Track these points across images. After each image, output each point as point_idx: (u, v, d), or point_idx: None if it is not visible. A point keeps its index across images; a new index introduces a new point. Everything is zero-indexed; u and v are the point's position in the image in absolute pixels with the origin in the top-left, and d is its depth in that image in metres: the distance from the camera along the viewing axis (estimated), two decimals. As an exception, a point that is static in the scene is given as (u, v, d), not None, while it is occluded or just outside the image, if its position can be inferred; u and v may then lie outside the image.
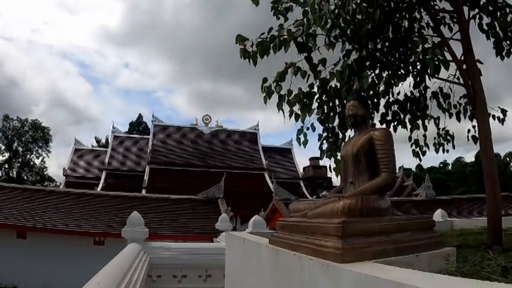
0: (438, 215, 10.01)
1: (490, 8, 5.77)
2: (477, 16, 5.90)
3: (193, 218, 21.74)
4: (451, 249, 3.13)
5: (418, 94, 6.04)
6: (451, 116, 6.27)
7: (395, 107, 5.97)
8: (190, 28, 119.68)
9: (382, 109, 5.93)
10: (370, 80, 5.50)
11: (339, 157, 5.22)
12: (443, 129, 6.40)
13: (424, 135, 6.20)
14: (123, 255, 6.03)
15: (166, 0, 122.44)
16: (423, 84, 5.99)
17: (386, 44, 5.68)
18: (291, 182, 43.08)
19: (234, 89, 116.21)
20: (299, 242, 3.01)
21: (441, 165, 71.09)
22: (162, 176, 38.56)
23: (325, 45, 5.35)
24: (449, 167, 70.78)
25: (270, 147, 48.80)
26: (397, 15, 5.69)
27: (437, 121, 6.30)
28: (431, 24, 5.78)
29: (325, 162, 5.79)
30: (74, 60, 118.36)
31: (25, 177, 56.48)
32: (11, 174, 55.63)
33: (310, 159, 51.05)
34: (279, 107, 5.28)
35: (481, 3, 5.76)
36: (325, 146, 5.70)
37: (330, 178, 44.56)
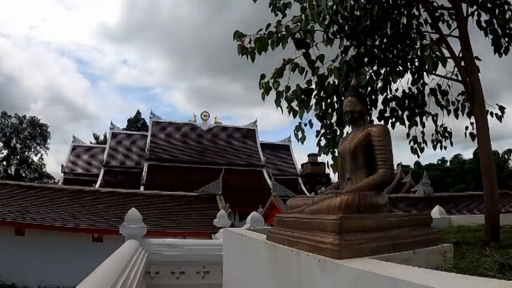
0: (436, 211, 10.01)
1: (489, 5, 5.76)
2: (475, 13, 5.88)
3: (191, 214, 21.77)
4: (448, 246, 3.13)
5: (416, 91, 6.03)
6: (449, 113, 6.27)
7: (393, 104, 5.96)
8: (188, 25, 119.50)
9: (380, 105, 5.92)
10: (368, 76, 5.49)
11: (336, 153, 5.22)
12: (441, 126, 6.40)
13: (422, 132, 6.20)
14: (120, 251, 6.02)
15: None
16: (421, 81, 5.98)
17: (385, 40, 5.67)
18: (290, 178, 43.10)
19: (233, 85, 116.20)
20: (296, 238, 3.01)
21: (439, 162, 71.22)
22: (160, 172, 38.53)
23: (323, 41, 5.34)
24: (448, 164, 70.88)
25: (268, 143, 48.83)
26: (396, 11, 5.67)
27: (435, 118, 6.29)
28: (430, 21, 5.77)
29: (324, 158, 5.75)
30: (72, 57, 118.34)
31: (23, 175, 56.46)
32: (9, 171, 55.59)
33: (309, 155, 51.11)
34: (277, 103, 5.27)
35: (480, 0, 5.75)
36: (323, 143, 5.70)
37: (328, 174, 44.68)
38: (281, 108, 5.33)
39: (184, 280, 8.04)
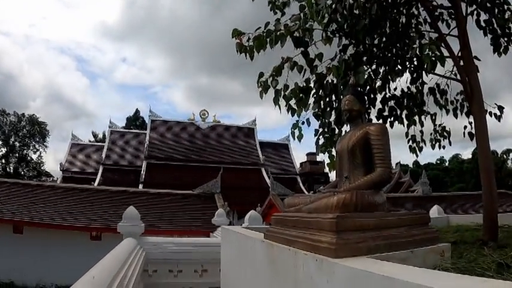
0: (434, 211, 10.01)
1: (488, 5, 5.74)
2: (475, 12, 5.87)
3: (190, 212, 21.77)
4: (446, 245, 3.12)
5: (415, 90, 6.03)
6: (447, 112, 6.26)
7: (392, 103, 5.96)
8: (188, 23, 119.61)
9: (378, 104, 5.92)
10: (366, 75, 5.48)
11: (333, 152, 5.21)
12: (440, 125, 6.40)
13: (421, 131, 6.20)
14: (118, 250, 6.02)
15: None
16: (420, 80, 5.98)
17: (384, 39, 5.66)
18: (288, 177, 43.16)
19: (232, 84, 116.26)
20: (294, 237, 3.00)
21: (438, 162, 71.31)
22: (159, 170, 38.57)
23: (322, 40, 5.33)
24: (447, 164, 70.95)
25: (267, 142, 48.87)
26: (395, 10, 5.66)
27: (434, 117, 6.29)
28: (429, 20, 5.76)
29: (322, 157, 5.77)
30: (71, 54, 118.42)
31: (22, 172, 56.42)
32: (8, 169, 55.56)
33: (307, 154, 51.22)
34: (275, 101, 5.26)
35: (479, -1, 5.74)
36: (321, 141, 5.69)
37: (327, 173, 44.73)
38: (279, 107, 5.32)
39: (182, 279, 8.05)
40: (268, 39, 4.98)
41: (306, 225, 2.93)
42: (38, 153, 58.02)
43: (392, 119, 5.93)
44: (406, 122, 6.01)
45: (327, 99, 5.52)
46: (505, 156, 60.87)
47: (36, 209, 19.68)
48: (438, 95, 6.20)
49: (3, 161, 55.86)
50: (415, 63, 5.74)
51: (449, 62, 5.27)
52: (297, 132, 5.46)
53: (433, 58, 4.73)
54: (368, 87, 5.76)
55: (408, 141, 6.29)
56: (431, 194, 26.80)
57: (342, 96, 4.22)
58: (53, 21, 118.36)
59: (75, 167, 45.26)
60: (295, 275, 2.80)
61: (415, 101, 5.99)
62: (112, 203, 21.23)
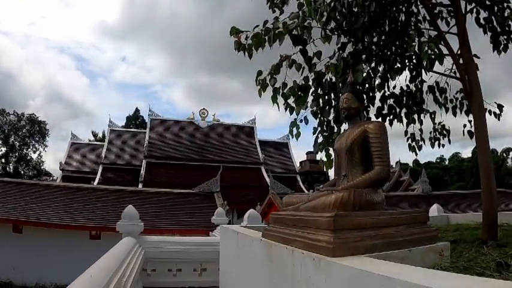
0: (434, 210, 10.00)
1: (488, 3, 5.73)
2: (474, 10, 5.85)
3: (189, 211, 21.76)
4: (445, 244, 3.10)
5: (414, 88, 6.01)
6: (447, 110, 6.25)
7: (391, 101, 5.94)
8: (187, 22, 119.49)
9: (377, 103, 5.90)
10: (365, 73, 5.46)
11: (331, 151, 5.20)
12: (440, 123, 6.38)
13: (420, 130, 6.18)
14: (117, 249, 5.99)
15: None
16: (419, 78, 5.96)
17: (383, 37, 5.64)
18: (288, 176, 43.14)
19: (232, 83, 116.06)
20: (292, 236, 2.99)
21: (438, 161, 71.28)
22: (158, 170, 38.55)
23: (321, 38, 5.31)
24: (446, 163, 70.93)
25: (266, 141, 48.82)
26: (394, 8, 5.64)
27: (433, 116, 6.27)
28: (428, 18, 5.74)
29: (321, 156, 5.72)
30: (70, 54, 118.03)
31: (22, 172, 56.37)
32: (7, 168, 55.51)
33: (307, 153, 51.15)
34: (274, 99, 5.24)
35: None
36: (320, 140, 5.67)
37: (327, 172, 44.59)
38: (277, 105, 5.30)
39: (181, 278, 8.03)
40: (266, 37, 4.97)
41: (304, 224, 2.91)
42: (37, 152, 58.00)
43: (391, 117, 5.92)
44: (405, 121, 5.99)
45: (326, 97, 5.50)
46: (504, 155, 60.85)
47: (36, 209, 19.65)
48: (437, 93, 6.19)
49: (3, 160, 55.84)
50: (414, 61, 5.72)
51: (448, 60, 5.25)
52: (295, 130, 5.44)
53: (432, 56, 4.71)
54: (367, 85, 5.75)
55: (407, 140, 6.27)
56: (431, 193, 26.78)
57: (340, 94, 4.19)
58: (53, 20, 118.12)
59: (75, 166, 45.22)
60: (293, 274, 2.78)
61: (415, 99, 5.97)
62: (111, 202, 21.21)
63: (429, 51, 4.66)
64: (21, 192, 21.20)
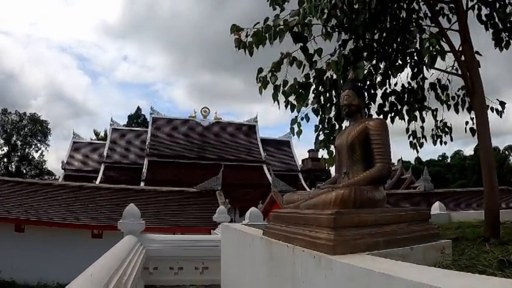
0: (436, 207, 9.98)
1: (489, -1, 5.70)
2: (476, 7, 5.82)
3: (191, 210, 21.74)
4: (446, 242, 3.08)
5: (415, 85, 5.98)
6: (449, 107, 6.22)
7: (392, 98, 5.91)
8: (188, 20, 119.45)
9: (379, 100, 5.87)
10: (366, 70, 5.43)
11: (332, 148, 5.18)
12: (441, 121, 6.35)
13: (422, 127, 6.15)
14: (118, 247, 5.98)
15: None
16: (421, 75, 5.93)
17: (384, 34, 5.61)
18: (290, 174, 43.12)
19: (233, 81, 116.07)
20: (292, 234, 2.97)
21: (440, 158, 71.15)
22: (160, 168, 38.56)
23: (322, 35, 5.28)
24: (448, 160, 70.83)
25: (268, 139, 48.77)
26: (395, 5, 5.61)
27: (435, 113, 6.24)
28: (429, 14, 5.71)
29: (323, 153, 5.71)
30: (72, 53, 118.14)
31: (24, 171, 56.41)
32: (10, 168, 55.57)
33: (309, 151, 51.10)
34: (274, 97, 5.22)
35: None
36: (321, 137, 5.65)
37: (329, 170, 44.59)
38: (278, 103, 5.28)
39: (182, 276, 8.02)
40: (267, 35, 4.94)
41: (304, 221, 2.90)
42: (39, 152, 58.02)
43: (393, 114, 5.89)
44: (406, 118, 5.96)
45: (327, 94, 5.48)
46: (507, 153, 60.72)
47: (38, 208, 19.67)
48: (439, 90, 6.16)
49: (5, 160, 55.88)
50: (416, 58, 5.69)
51: (450, 57, 5.23)
52: (296, 128, 5.42)
53: (434, 52, 4.68)
54: (368, 82, 5.72)
55: (409, 137, 6.24)
56: (433, 191, 26.74)
57: (341, 92, 4.17)
58: (54, 20, 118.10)
59: (77, 165, 45.26)
60: (294, 272, 2.77)
61: (416, 97, 5.94)
62: (113, 200, 21.21)
63: (431, 48, 4.64)
64: (23, 191, 21.22)
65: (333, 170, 4.39)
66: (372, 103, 5.76)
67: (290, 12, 5.17)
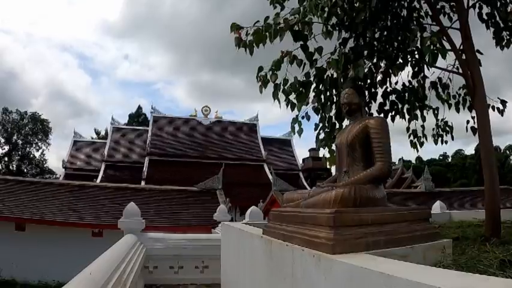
0: (437, 207, 9.96)
1: (490, -3, 5.67)
2: (477, 5, 5.80)
3: (191, 209, 21.73)
4: (447, 241, 3.06)
5: (416, 84, 5.95)
6: (450, 106, 6.19)
7: (393, 97, 5.88)
8: (189, 19, 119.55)
9: (379, 99, 5.84)
10: (367, 69, 5.41)
11: (333, 147, 5.15)
12: (442, 120, 6.33)
13: (423, 126, 6.12)
14: (117, 246, 5.98)
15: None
16: (422, 74, 5.90)
17: (385, 33, 5.58)
18: (291, 173, 43.12)
19: (234, 80, 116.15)
20: (292, 233, 2.96)
21: (441, 158, 71.11)
22: (161, 167, 38.55)
23: (322, 33, 5.26)
24: (449, 160, 70.79)
25: (269, 138, 48.76)
26: (396, 4, 5.58)
27: (436, 112, 6.21)
28: (430, 13, 5.68)
29: (323, 152, 5.70)
30: (73, 52, 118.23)
31: (25, 170, 56.37)
32: (10, 167, 55.52)
33: (310, 150, 51.04)
34: (275, 96, 5.20)
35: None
36: (322, 136, 5.63)
37: (330, 169, 44.57)
38: (279, 101, 5.26)
39: (183, 275, 8.02)
40: (267, 33, 4.92)
41: (304, 220, 2.88)
42: (40, 150, 57.92)
43: (393, 113, 5.87)
44: (407, 117, 5.93)
45: (327, 93, 5.45)
46: (508, 152, 60.63)
47: (38, 206, 19.66)
48: (440, 89, 6.13)
49: (6, 159, 55.85)
50: (417, 56, 5.67)
51: (451, 56, 5.21)
52: (297, 127, 5.41)
53: (435, 51, 4.66)
54: (369, 81, 5.69)
55: (409, 136, 6.21)
56: (433, 190, 26.72)
57: (341, 90, 4.15)
58: (55, 19, 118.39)
59: (78, 164, 45.27)
60: (293, 271, 2.75)
61: (417, 95, 5.91)
62: (114, 199, 21.20)
63: (432, 46, 4.61)
64: (24, 190, 21.21)
65: (334, 169, 4.37)
66: (373, 102, 5.73)
67: (290, 11, 5.14)
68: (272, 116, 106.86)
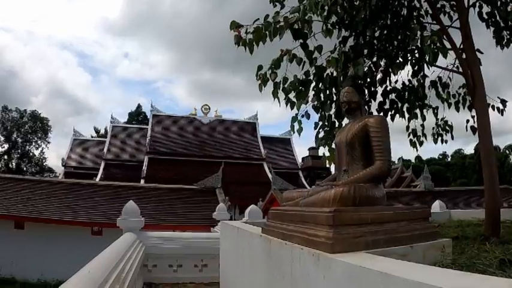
0: (436, 206, 9.96)
1: (491, -3, 5.66)
2: (477, 4, 5.78)
3: (191, 207, 21.73)
4: (447, 241, 3.05)
5: (416, 83, 5.94)
6: (450, 106, 6.18)
7: (393, 96, 5.87)
8: (190, 18, 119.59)
9: (379, 98, 5.83)
10: (367, 67, 5.40)
11: (333, 146, 5.14)
12: (442, 119, 6.31)
13: (422, 125, 6.11)
14: (116, 244, 5.96)
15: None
16: (422, 73, 5.89)
17: (385, 31, 5.57)
18: (290, 172, 43.13)
19: (234, 79, 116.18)
20: (291, 231, 2.95)
21: (440, 157, 71.12)
22: (160, 165, 38.53)
23: (322, 32, 5.24)
24: (449, 159, 70.80)
25: (269, 137, 48.77)
26: (396, 2, 5.57)
27: (435, 111, 6.20)
28: (431, 12, 5.67)
29: (323, 151, 5.69)
30: (73, 50, 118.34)
31: (24, 168, 56.39)
32: (10, 165, 55.54)
33: (309, 149, 51.07)
34: (274, 94, 5.18)
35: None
36: (321, 135, 5.61)
37: (329, 168, 44.60)
38: (278, 100, 5.25)
39: (182, 273, 8.01)
40: (267, 32, 4.90)
41: (303, 219, 2.87)
42: (40, 149, 58.00)
43: (393, 112, 5.85)
44: (407, 116, 5.92)
45: (327, 91, 5.44)
46: (507, 152, 60.62)
47: (38, 205, 19.65)
48: (440, 88, 6.12)
49: (6, 157, 55.86)
50: (417, 55, 5.65)
51: (451, 55, 5.20)
52: (296, 125, 5.39)
53: (435, 50, 4.65)
54: (368, 79, 5.68)
55: (409, 135, 6.20)
56: (433, 189, 26.73)
57: (341, 88, 4.13)
58: (55, 17, 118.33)
59: (77, 162, 45.29)
60: (292, 270, 2.74)
61: (417, 94, 5.90)
62: (113, 197, 21.19)
63: (432, 45, 4.60)
64: (24, 188, 21.20)
65: (333, 167, 4.36)
66: (372, 101, 5.72)
67: (290, 9, 5.13)
68: (272, 115, 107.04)
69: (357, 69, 4.55)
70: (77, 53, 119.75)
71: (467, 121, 6.07)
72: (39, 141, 57.61)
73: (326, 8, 5.04)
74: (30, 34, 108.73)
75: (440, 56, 4.78)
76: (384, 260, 2.11)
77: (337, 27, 5.40)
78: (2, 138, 54.78)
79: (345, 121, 4.94)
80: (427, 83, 6.06)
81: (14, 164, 56.23)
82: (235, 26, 5.01)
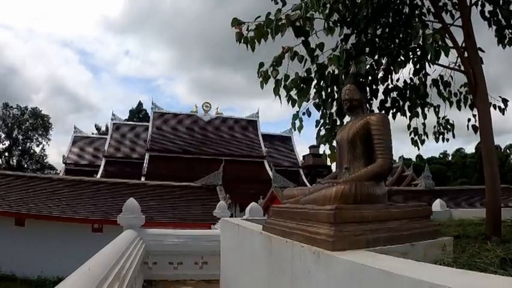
0: (437, 205, 9.95)
1: (493, -5, 5.64)
2: (479, 3, 5.77)
3: (192, 205, 21.75)
4: (448, 239, 3.05)
5: (418, 81, 5.92)
6: (451, 104, 6.17)
7: (394, 94, 5.85)
8: (191, 15, 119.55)
9: (381, 96, 5.82)
10: (368, 65, 5.38)
11: (334, 144, 5.13)
12: (444, 118, 6.30)
13: (424, 124, 6.10)
14: (117, 241, 5.97)
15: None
16: (423, 71, 5.87)
17: (387, 29, 5.55)
18: (291, 170, 43.18)
19: (235, 77, 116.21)
20: (292, 229, 2.94)
21: (441, 156, 71.14)
22: (161, 163, 38.59)
23: (324, 30, 5.23)
24: (450, 158, 70.81)
25: (270, 135, 48.82)
26: (398, 0, 5.55)
27: (437, 109, 6.19)
28: (433, 10, 5.65)
29: (324, 149, 5.69)
30: (74, 48, 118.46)
31: (25, 165, 56.49)
32: (11, 162, 55.66)
33: (310, 147, 51.14)
34: (276, 92, 5.17)
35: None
36: (323, 133, 5.60)
37: (330, 166, 44.58)
38: (279, 97, 5.23)
39: (182, 271, 8.03)
40: (268, 29, 4.89)
41: (304, 217, 2.87)
42: (41, 146, 58.16)
43: (394, 110, 5.84)
44: (408, 114, 5.91)
45: (328, 89, 5.42)
46: (508, 151, 60.64)
47: (38, 202, 19.66)
48: (442, 87, 6.10)
49: (6, 154, 55.98)
50: (419, 53, 5.64)
51: (453, 54, 5.18)
52: (297, 123, 5.38)
53: (437, 48, 4.63)
54: (370, 77, 5.66)
55: (410, 134, 6.19)
56: (433, 188, 26.72)
57: (342, 86, 4.12)
58: (56, 15, 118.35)
59: (78, 159, 45.35)
60: (293, 268, 2.74)
61: (418, 93, 5.88)
62: (114, 195, 21.20)
63: (434, 44, 4.59)
64: (24, 185, 21.21)
65: (334, 166, 4.36)
66: (374, 99, 5.71)
67: (292, 7, 5.11)
68: (273, 113, 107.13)
69: (358, 67, 4.54)
70: (77, 50, 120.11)
71: (469, 120, 6.06)
72: (40, 138, 57.78)
73: (328, 5, 5.02)
74: (31, 32, 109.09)
75: (442, 55, 4.77)
76: (385, 258, 2.10)
77: (339, 25, 5.37)
78: (3, 135, 54.96)
79: (346, 119, 4.94)
80: (429, 81, 6.04)
81: (14, 161, 56.36)
82: (236, 23, 5.00)
